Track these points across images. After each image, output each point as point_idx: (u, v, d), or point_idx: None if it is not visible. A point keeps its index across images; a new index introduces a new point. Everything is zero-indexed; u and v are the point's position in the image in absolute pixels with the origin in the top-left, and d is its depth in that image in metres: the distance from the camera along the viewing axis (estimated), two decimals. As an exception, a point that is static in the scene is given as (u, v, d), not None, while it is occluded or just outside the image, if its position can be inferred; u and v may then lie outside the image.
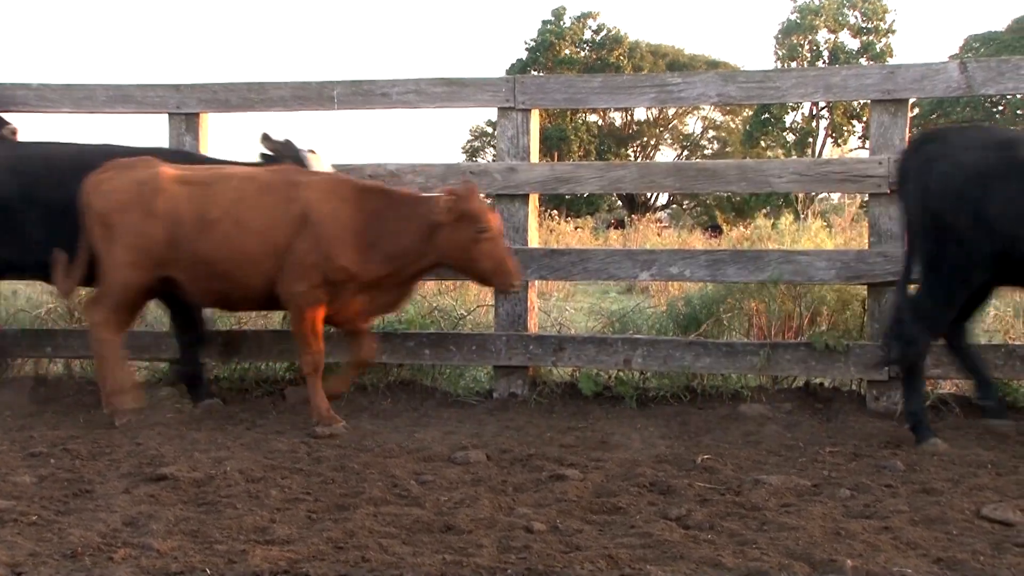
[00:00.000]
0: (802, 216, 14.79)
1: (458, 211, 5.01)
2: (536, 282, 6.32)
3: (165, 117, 6.29)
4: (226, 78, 8.66)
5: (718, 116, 49.85)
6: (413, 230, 5.10)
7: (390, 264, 5.15)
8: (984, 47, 37.59)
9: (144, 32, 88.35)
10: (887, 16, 46.36)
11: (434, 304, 6.52)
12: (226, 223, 5.11)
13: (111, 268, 5.20)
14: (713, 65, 43.38)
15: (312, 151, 5.71)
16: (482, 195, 5.44)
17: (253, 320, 6.60)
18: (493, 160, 11.05)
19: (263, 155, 5.72)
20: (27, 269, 5.70)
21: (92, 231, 5.24)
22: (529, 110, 5.95)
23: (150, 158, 5.36)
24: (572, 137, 45.38)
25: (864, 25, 46.50)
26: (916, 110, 34.44)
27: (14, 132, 5.89)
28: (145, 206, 5.13)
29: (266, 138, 5.70)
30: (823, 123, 46.31)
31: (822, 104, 43.16)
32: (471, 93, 6.02)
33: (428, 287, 7.09)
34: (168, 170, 5.26)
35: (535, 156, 6.04)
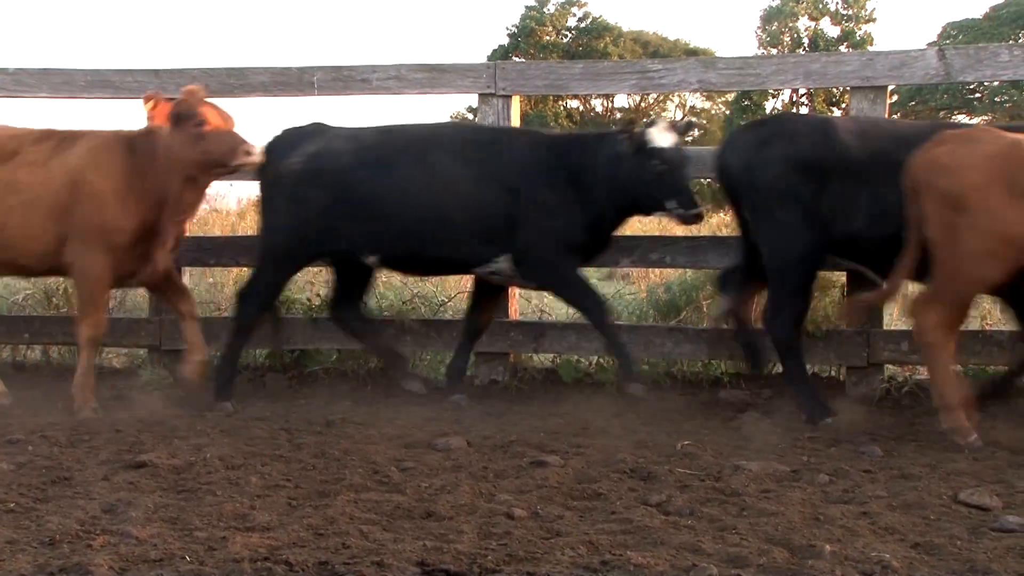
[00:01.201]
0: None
1: None
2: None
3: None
4: (206, 63, 8.59)
5: (699, 103, 49.91)
6: None
7: None
8: (962, 34, 37.74)
9: (123, 16, 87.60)
10: (867, 3, 46.48)
11: (415, 291, 6.49)
12: None
13: (960, 259, 4.39)
14: (692, 53, 43.38)
15: None
16: None
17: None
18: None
19: None
20: (854, 252, 5.07)
21: (930, 216, 4.46)
22: (510, 96, 5.93)
23: (987, 127, 4.55)
24: (553, 123, 45.29)
25: (844, 12, 46.61)
26: (895, 97, 34.58)
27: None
28: (1007, 183, 4.28)
29: None
30: (803, 110, 46.42)
31: (802, 91, 43.27)
32: (452, 79, 5.99)
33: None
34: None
35: (516, 142, 6.01)
